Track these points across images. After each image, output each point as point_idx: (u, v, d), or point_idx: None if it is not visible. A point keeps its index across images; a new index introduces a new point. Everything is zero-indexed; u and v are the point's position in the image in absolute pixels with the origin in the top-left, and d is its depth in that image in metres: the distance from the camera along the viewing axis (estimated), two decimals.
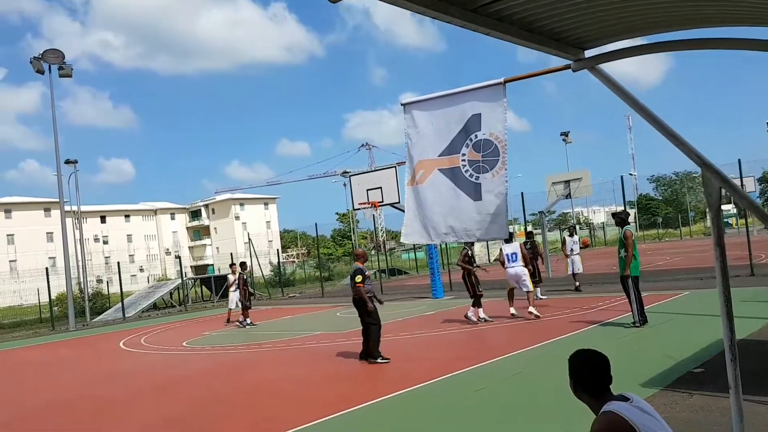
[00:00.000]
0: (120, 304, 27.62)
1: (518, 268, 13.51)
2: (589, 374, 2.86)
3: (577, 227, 21.47)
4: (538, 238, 22.08)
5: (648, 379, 7.02)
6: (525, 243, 17.50)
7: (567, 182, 24.52)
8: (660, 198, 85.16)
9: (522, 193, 24.79)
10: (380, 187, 19.92)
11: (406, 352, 10.82)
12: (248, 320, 17.50)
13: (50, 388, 11.28)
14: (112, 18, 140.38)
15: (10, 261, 74.84)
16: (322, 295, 27.54)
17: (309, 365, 10.65)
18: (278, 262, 38.56)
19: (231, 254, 34.03)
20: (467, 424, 6.23)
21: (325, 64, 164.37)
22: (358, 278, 9.99)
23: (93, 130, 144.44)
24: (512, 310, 13.65)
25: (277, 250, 45.87)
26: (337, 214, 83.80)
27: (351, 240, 56.24)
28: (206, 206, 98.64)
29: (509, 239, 13.99)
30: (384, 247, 37.52)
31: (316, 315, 19.54)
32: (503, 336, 11.57)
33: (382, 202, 20.01)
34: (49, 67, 25.16)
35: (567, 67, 5.49)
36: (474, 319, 13.34)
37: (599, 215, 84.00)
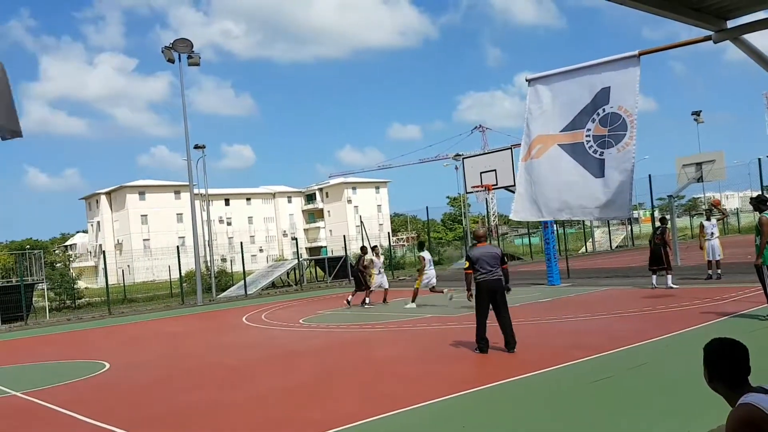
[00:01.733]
0: (242, 282, 29.13)
1: (433, 271, 16.70)
2: (727, 363, 2.64)
3: (714, 209, 19.96)
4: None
5: None
6: (656, 229, 16.60)
7: (699, 164, 22.86)
8: None
9: (649, 175, 23.51)
10: (494, 170, 19.54)
11: (523, 339, 10.56)
12: (368, 300, 17.73)
13: (180, 357, 12.10)
14: (232, 7, 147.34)
15: (144, 240, 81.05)
16: None
17: (420, 346, 10.68)
18: (389, 246, 39.05)
19: (344, 237, 34.83)
20: (587, 413, 5.97)
21: (438, 46, 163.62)
22: (466, 264, 9.42)
23: (216, 117, 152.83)
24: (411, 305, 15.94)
25: (388, 233, 46.44)
26: (448, 197, 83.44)
27: (462, 224, 55.89)
28: (320, 190, 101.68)
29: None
30: (497, 231, 36.88)
31: (426, 298, 19.58)
32: (627, 326, 11.01)
33: (496, 185, 19.63)
34: (179, 56, 26.75)
35: (708, 38, 5.06)
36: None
37: (733, 200, 78.10)
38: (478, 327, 9.25)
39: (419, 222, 78.11)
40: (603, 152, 4.52)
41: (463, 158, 22.77)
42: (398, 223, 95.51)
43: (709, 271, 16.77)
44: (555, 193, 4.78)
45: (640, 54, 4.46)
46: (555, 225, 18.33)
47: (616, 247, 44.14)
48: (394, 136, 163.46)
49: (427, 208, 31.31)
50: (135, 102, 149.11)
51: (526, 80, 5.35)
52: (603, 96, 4.37)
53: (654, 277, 15.87)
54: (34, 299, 25.96)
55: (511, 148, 20.31)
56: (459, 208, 68.23)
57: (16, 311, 23.29)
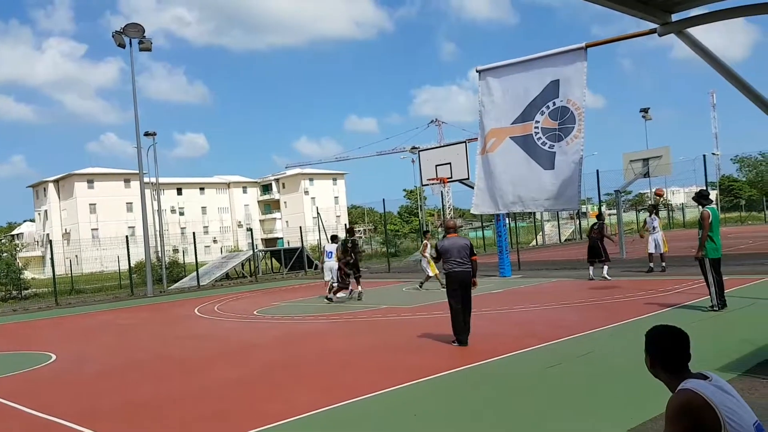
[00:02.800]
0: (195, 273, 28.69)
1: (332, 263, 16.41)
2: (669, 349, 2.73)
3: (657, 199, 20.80)
4: (613, 219, 21.39)
5: (725, 364, 6.71)
6: (593, 224, 17.31)
7: (645, 160, 23.56)
8: (744, 179, 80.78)
9: (597, 170, 24.08)
10: (449, 163, 19.73)
11: (476, 328, 10.73)
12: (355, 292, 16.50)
13: (129, 348, 11.87)
14: None
15: (92, 229, 78.91)
16: (388, 270, 27.72)
17: (376, 337, 10.75)
18: (345, 238, 39.01)
19: (300, 228, 34.66)
20: (539, 400, 6.13)
21: (394, 39, 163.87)
22: (433, 253, 9.33)
23: (168, 105, 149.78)
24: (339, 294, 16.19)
25: (345, 225, 46.36)
26: (404, 190, 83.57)
27: (418, 217, 56.00)
28: (277, 180, 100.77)
29: (334, 239, 17.45)
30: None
31: (383, 289, 19.69)
32: (574, 316, 11.31)
33: (451, 178, 19.83)
34: (130, 41, 26.08)
35: (653, 31, 5.22)
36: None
37: (678, 196, 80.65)
38: (455, 318, 9.08)
39: (376, 214, 78.20)
40: (553, 145, 4.62)
41: (420, 151, 22.93)
42: (355, 215, 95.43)
43: (651, 264, 17.35)
44: (509, 186, 4.88)
45: (587, 46, 4.57)
46: (507, 218, 18.68)
47: (565, 240, 45.19)
48: (351, 128, 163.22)
49: (384, 200, 31.42)
50: (84, 88, 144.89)
51: (477, 71, 5.42)
52: (552, 89, 4.47)
53: (591, 268, 16.61)
54: None
55: (465, 142, 20.53)
56: (415, 200, 68.58)
57: None
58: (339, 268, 16.09)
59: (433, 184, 20.37)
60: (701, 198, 10.52)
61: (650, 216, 18.06)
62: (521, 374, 7.27)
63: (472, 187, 20.31)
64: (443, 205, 24.16)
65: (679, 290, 13.22)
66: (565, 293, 14.44)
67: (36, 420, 6.82)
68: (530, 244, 43.97)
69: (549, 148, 4.59)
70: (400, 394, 6.70)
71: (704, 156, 22.64)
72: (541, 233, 46.28)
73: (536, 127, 4.66)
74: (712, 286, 10.18)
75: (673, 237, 36.85)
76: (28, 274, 34.40)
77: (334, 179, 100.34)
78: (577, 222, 46.69)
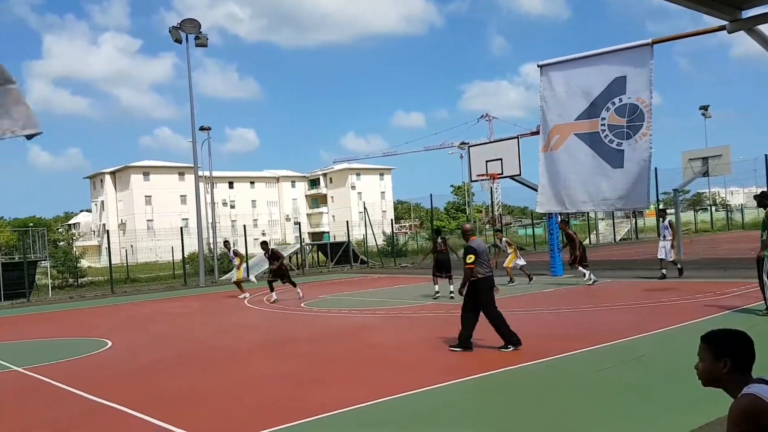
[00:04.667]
0: (245, 265, 29.17)
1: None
2: (736, 354, 2.62)
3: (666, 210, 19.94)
4: (672, 218, 20.77)
5: None
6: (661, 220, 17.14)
7: (705, 159, 22.78)
8: None
9: (655, 168, 23.36)
10: (500, 159, 19.50)
11: (523, 328, 10.58)
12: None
13: (181, 337, 12.15)
14: None
15: (148, 220, 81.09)
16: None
17: (423, 332, 10.70)
18: (392, 232, 39.04)
19: (347, 222, 34.84)
20: (589, 403, 5.99)
21: (444, 34, 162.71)
22: (469, 258, 8.57)
23: (220, 100, 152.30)
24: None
25: (391, 220, 46.45)
26: (451, 186, 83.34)
27: (465, 213, 55.56)
28: (324, 175, 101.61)
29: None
30: (500, 221, 36.69)
31: (429, 286, 19.61)
32: (628, 318, 11.01)
33: (502, 174, 19.59)
34: (186, 36, 26.64)
35: (722, 28, 5.00)
36: None
37: (738, 196, 77.77)
38: (471, 326, 8.57)
39: (422, 210, 78.00)
40: (621, 142, 4.48)
41: (469, 146, 22.72)
42: (401, 210, 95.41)
43: (663, 270, 16.39)
44: (577, 184, 4.76)
45: (653, 42, 4.40)
46: (559, 216, 18.32)
47: (620, 239, 44.06)
48: (398, 124, 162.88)
49: (431, 195, 31.18)
50: (138, 83, 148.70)
51: (538, 66, 5.30)
52: (618, 85, 4.32)
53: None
54: (36, 277, 26.05)
55: (517, 138, 20.25)
56: (463, 196, 68.11)
57: (19, 288, 23.38)
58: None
59: (482, 180, 20.16)
60: (764, 199, 10.12)
61: (663, 222, 17.12)
62: (572, 376, 7.11)
63: (524, 184, 20.07)
64: (492, 202, 23.92)
65: (737, 293, 12.73)
66: (619, 294, 14.09)
67: (93, 404, 7.04)
68: (583, 243, 43.07)
69: (617, 145, 4.45)
70: (447, 391, 6.64)
71: (766, 156, 21.73)
72: (595, 231, 45.26)
73: (602, 124, 4.51)
74: (766, 289, 9.85)
75: (732, 238, 35.66)
76: (84, 263, 35.63)
77: (381, 174, 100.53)
78: (633, 221, 45.49)
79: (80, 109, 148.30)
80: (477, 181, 20.74)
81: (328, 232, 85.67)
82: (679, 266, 16.54)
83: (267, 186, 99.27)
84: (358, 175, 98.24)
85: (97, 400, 7.15)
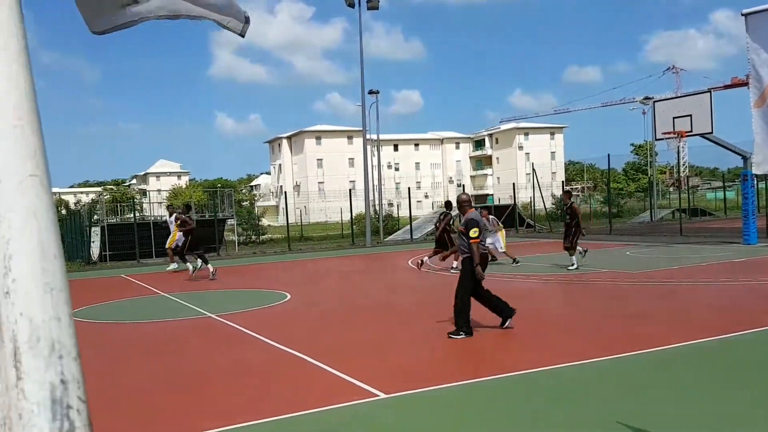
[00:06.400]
0: (408, 227, 29.63)
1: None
2: None
3: None
4: None
5: None
6: None
7: None
8: None
9: None
10: (689, 115, 17.64)
11: (708, 300, 9.57)
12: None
13: (351, 293, 12.61)
14: None
15: (319, 182, 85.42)
16: (609, 232, 26.00)
17: (596, 301, 10.10)
18: (562, 195, 37.40)
19: (513, 185, 33.94)
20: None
21: None
22: (474, 232, 7.62)
23: (386, 62, 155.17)
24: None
25: (562, 182, 44.54)
26: (632, 145, 77.79)
27: (646, 174, 51.40)
28: (490, 136, 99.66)
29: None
30: (687, 183, 33.44)
31: (603, 252, 18.51)
32: None
33: (691, 132, 17.75)
34: (359, 0, 27.02)
35: None
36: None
37: None
38: (468, 307, 7.72)
39: (597, 171, 73.87)
40: None
41: (654, 102, 20.83)
42: (573, 171, 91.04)
43: None
44: None
45: None
46: (755, 179, 16.25)
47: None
48: (571, 79, 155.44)
49: (608, 155, 28.93)
50: (311, 50, 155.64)
51: (743, 15, 4.52)
52: None
53: None
54: (224, 233, 28.47)
55: (709, 92, 18.14)
56: (644, 156, 63.39)
57: (211, 243, 25.71)
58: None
59: (668, 138, 18.45)
60: None
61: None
62: (757, 356, 6.24)
63: (715, 143, 18.04)
64: (678, 162, 21.88)
65: None
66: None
67: (275, 350, 7.54)
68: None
69: None
70: (621, 363, 6.15)
71: None
72: None
73: None
74: None
75: None
76: (264, 222, 38.34)
77: (552, 133, 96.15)
78: None
79: (259, 76, 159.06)
80: (662, 139, 19.04)
81: (492, 195, 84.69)
82: None
83: (431, 148, 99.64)
84: (526, 134, 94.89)
85: (278, 346, 7.63)
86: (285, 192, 35.91)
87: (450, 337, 7.54)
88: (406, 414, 5.08)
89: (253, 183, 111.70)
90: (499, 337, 7.71)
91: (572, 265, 13.95)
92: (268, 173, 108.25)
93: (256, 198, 76.29)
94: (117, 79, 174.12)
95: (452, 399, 5.37)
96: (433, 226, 17.26)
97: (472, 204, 8.10)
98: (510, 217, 31.62)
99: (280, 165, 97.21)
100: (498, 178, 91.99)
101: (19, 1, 0.86)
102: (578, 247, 14.29)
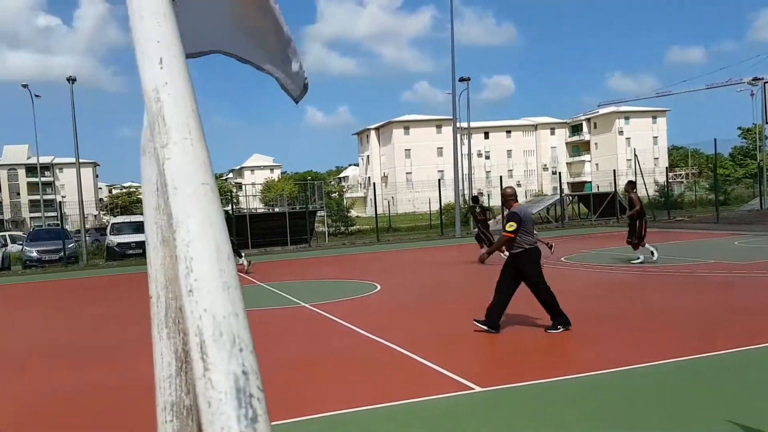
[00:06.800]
0: (499, 216, 29.22)
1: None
2: None
3: None
4: None
5: None
6: None
7: None
8: None
9: None
10: None
11: None
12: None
13: (440, 285, 12.55)
14: None
15: (407, 173, 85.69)
16: (716, 221, 24.55)
17: (702, 294, 9.56)
18: (665, 182, 35.70)
19: (613, 171, 32.72)
20: None
21: None
22: (510, 226, 7.49)
23: (476, 49, 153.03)
24: None
25: (665, 168, 42.52)
26: (739, 129, 73.03)
27: (756, 159, 48.11)
28: (588, 120, 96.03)
29: None
30: None
31: (709, 242, 17.55)
32: None
33: None
34: None
35: None
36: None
37: None
38: (504, 304, 7.61)
39: (702, 156, 69.91)
40: None
41: (764, 83, 19.48)
42: (677, 157, 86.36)
43: None
44: None
45: None
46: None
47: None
48: (673, 60, 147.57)
49: (715, 140, 27.33)
50: (399, 39, 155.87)
51: None
52: None
53: None
54: (315, 225, 29.19)
55: None
56: (753, 140, 59.44)
57: (302, 234, 26.44)
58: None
59: None
60: None
61: None
62: None
63: None
64: None
65: None
66: None
67: (368, 340, 7.64)
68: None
69: None
70: (737, 358, 5.79)
71: None
72: None
73: None
74: None
75: None
76: (353, 213, 38.98)
77: (654, 117, 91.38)
78: None
79: (348, 68, 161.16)
80: None
81: (590, 182, 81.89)
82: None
83: (524, 134, 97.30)
84: (626, 118, 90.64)
85: (370, 336, 7.74)
86: (374, 183, 36.27)
87: (548, 332, 7.38)
88: (504, 409, 4.97)
89: (341, 175, 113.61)
90: (600, 330, 7.48)
91: (637, 259, 13.33)
92: (356, 165, 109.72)
93: (344, 190, 77.61)
94: (213, 77, 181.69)
95: (552, 395, 5.20)
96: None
97: (516, 199, 8.01)
98: (610, 205, 30.55)
99: (368, 156, 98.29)
100: (596, 164, 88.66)
101: (175, 17, 0.94)
102: (647, 245, 13.37)
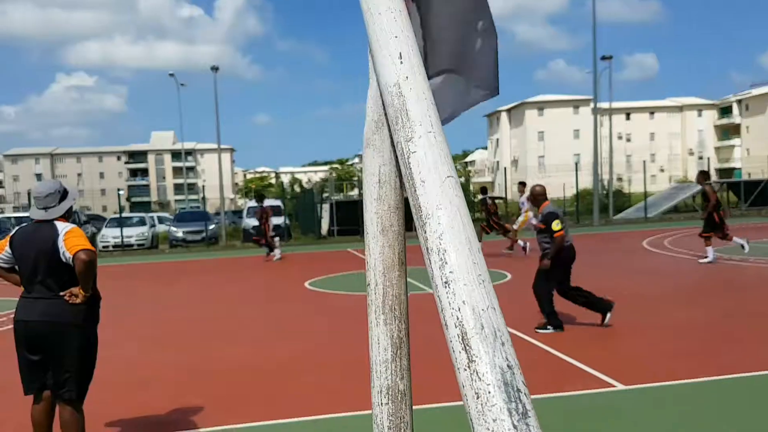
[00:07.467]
0: (642, 204, 27.71)
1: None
2: None
3: None
4: None
5: None
6: None
7: None
8: None
9: None
10: None
11: None
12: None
13: (582, 275, 12.10)
14: None
15: (539, 156, 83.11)
16: None
17: None
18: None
19: (767, 157, 29.92)
20: None
21: None
22: (556, 224, 7.28)
23: (616, 25, 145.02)
24: None
25: None
26: None
27: None
28: (739, 102, 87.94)
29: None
30: None
31: None
32: None
33: None
34: None
35: None
36: None
37: None
38: (551, 300, 7.50)
39: None
40: None
41: None
42: None
43: None
44: None
45: None
46: None
47: None
48: None
49: None
50: (535, 16, 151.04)
51: None
52: None
53: None
54: None
55: None
56: None
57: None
58: None
59: None
60: None
61: None
62: None
63: None
64: None
65: None
66: None
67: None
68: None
69: None
70: None
71: None
72: None
73: None
74: None
75: None
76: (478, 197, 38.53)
77: None
78: None
79: None
80: None
81: (739, 169, 75.42)
82: None
83: (668, 116, 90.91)
84: None
85: (510, 331, 7.63)
86: (504, 168, 35.59)
87: (537, 331, 7.30)
88: (649, 408, 4.75)
89: (467, 159, 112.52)
90: (751, 330, 6.92)
91: (705, 257, 12.35)
92: (485, 148, 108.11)
93: (471, 174, 76.80)
94: (342, 59, 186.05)
95: (701, 396, 4.96)
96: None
97: (546, 197, 7.76)
98: (762, 194, 28.03)
99: (497, 139, 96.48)
100: (747, 149, 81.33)
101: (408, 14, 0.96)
102: (736, 239, 12.32)
